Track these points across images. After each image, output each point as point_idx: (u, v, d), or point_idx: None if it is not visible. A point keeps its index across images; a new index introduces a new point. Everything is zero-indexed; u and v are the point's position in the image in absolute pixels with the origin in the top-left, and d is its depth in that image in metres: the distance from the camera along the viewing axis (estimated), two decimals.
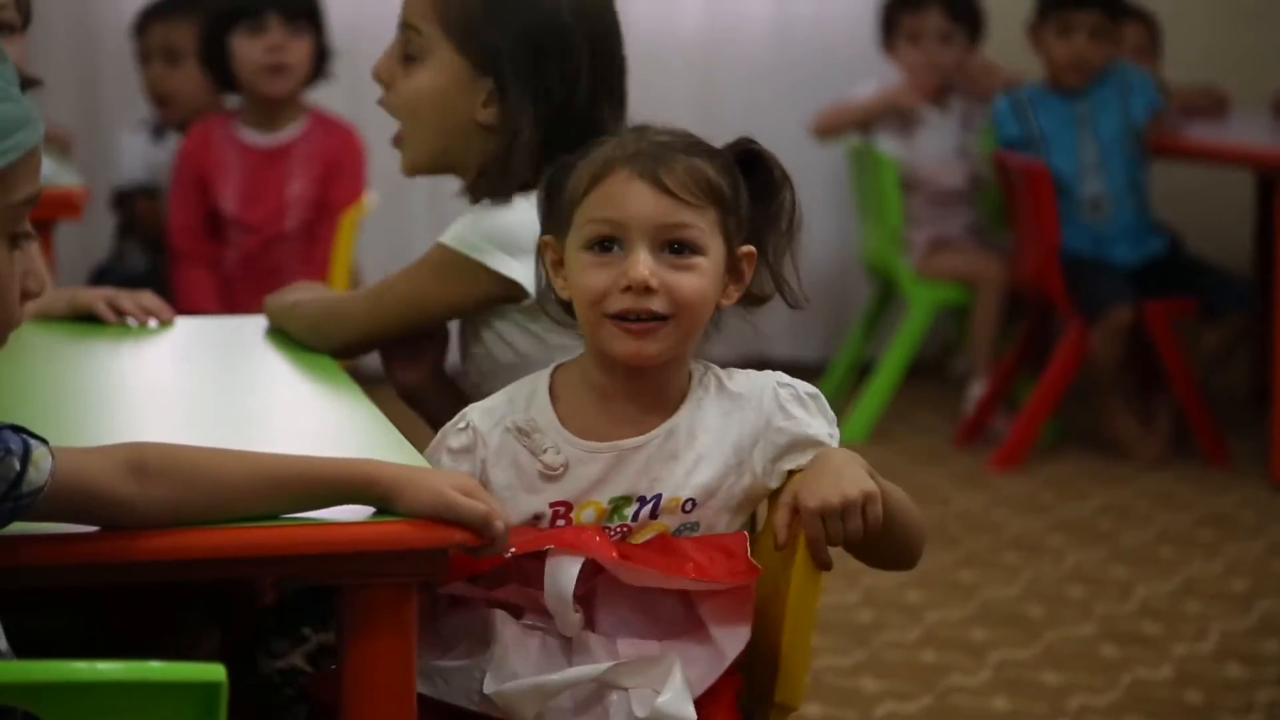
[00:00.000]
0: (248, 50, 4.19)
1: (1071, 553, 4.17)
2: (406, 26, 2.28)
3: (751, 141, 2.00)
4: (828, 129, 5.27)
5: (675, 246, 1.91)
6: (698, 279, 1.91)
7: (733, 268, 1.97)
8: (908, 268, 5.15)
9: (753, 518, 2.08)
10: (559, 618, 1.86)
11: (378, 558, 1.70)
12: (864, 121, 5.20)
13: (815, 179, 5.68)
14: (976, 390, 5.09)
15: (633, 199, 1.90)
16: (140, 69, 4.64)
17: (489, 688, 1.84)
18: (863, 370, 5.38)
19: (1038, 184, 4.83)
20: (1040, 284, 4.91)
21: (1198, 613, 3.78)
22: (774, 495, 1.97)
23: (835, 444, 1.96)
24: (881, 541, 1.92)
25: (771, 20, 5.78)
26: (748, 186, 1.98)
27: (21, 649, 1.61)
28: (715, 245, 1.93)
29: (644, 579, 1.89)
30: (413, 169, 2.32)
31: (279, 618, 2.17)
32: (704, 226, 1.92)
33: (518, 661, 1.86)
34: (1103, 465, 4.86)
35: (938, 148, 5.19)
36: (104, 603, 2.06)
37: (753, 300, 2.01)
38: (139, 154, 4.62)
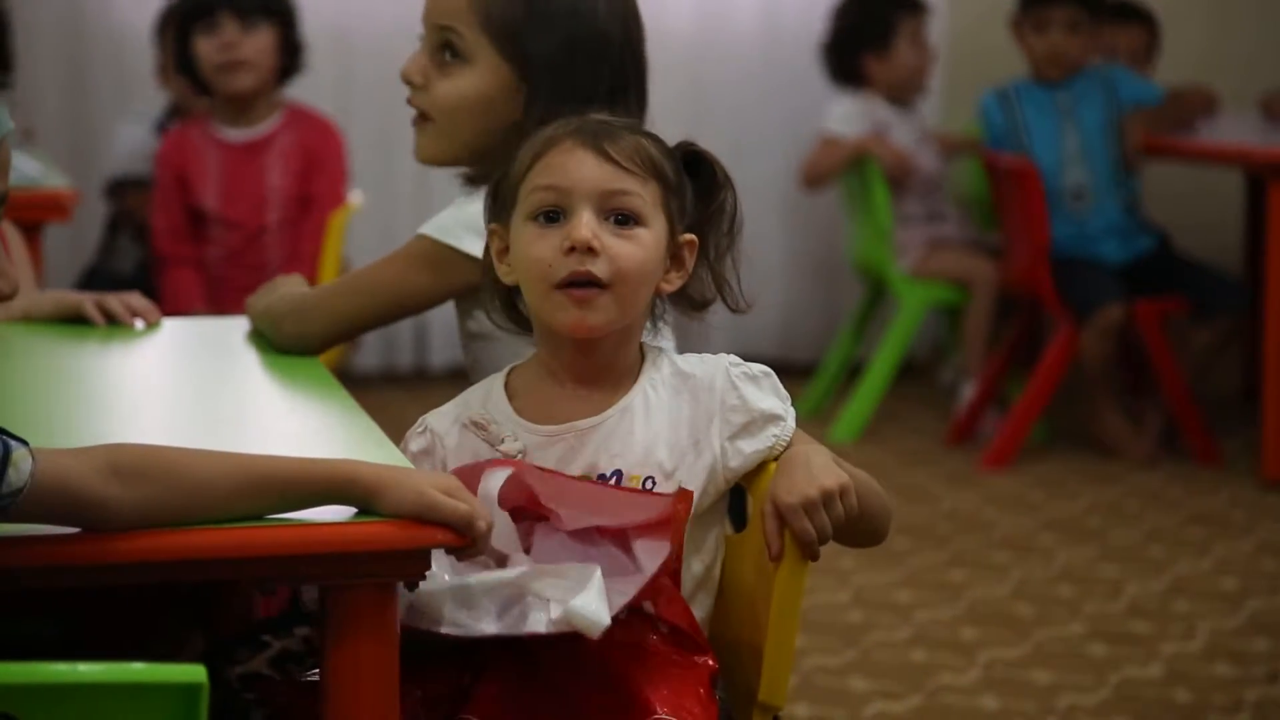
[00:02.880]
0: (204, 49, 4.20)
1: (1061, 552, 4.17)
2: (443, 28, 2.25)
3: (693, 144, 2.01)
4: (816, 180, 5.28)
5: (619, 217, 1.93)
6: (639, 248, 1.93)
7: (675, 253, 1.97)
8: (897, 268, 5.16)
9: (743, 514, 2.08)
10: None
11: (360, 558, 1.70)
12: (849, 163, 5.20)
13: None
14: (968, 391, 5.09)
15: (575, 165, 1.92)
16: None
17: (408, 594, 1.82)
18: (853, 371, 5.38)
19: (1027, 184, 4.84)
20: (1030, 283, 4.92)
21: (1187, 612, 3.79)
22: (753, 485, 1.97)
23: (791, 420, 1.96)
24: (855, 525, 1.92)
25: (760, 20, 5.79)
26: (691, 187, 1.99)
27: (5, 653, 1.60)
28: (657, 220, 1.95)
29: (573, 497, 1.87)
30: (435, 160, 2.29)
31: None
32: (646, 198, 1.94)
33: (446, 571, 1.84)
34: (1092, 464, 4.87)
35: (906, 139, 5.21)
36: (87, 608, 2.05)
37: (695, 304, 2.01)
38: (137, 146, 4.61)
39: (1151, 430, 4.95)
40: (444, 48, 2.25)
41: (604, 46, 2.22)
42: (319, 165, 4.25)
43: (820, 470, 1.89)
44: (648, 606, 1.88)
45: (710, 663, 1.90)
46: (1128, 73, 5.12)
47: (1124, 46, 5.33)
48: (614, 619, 1.81)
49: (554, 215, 1.93)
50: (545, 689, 1.86)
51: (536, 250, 1.92)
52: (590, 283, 1.91)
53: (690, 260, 1.98)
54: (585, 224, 1.91)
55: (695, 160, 2.00)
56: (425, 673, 1.86)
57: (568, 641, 1.83)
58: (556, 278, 1.91)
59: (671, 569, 1.89)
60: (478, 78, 2.23)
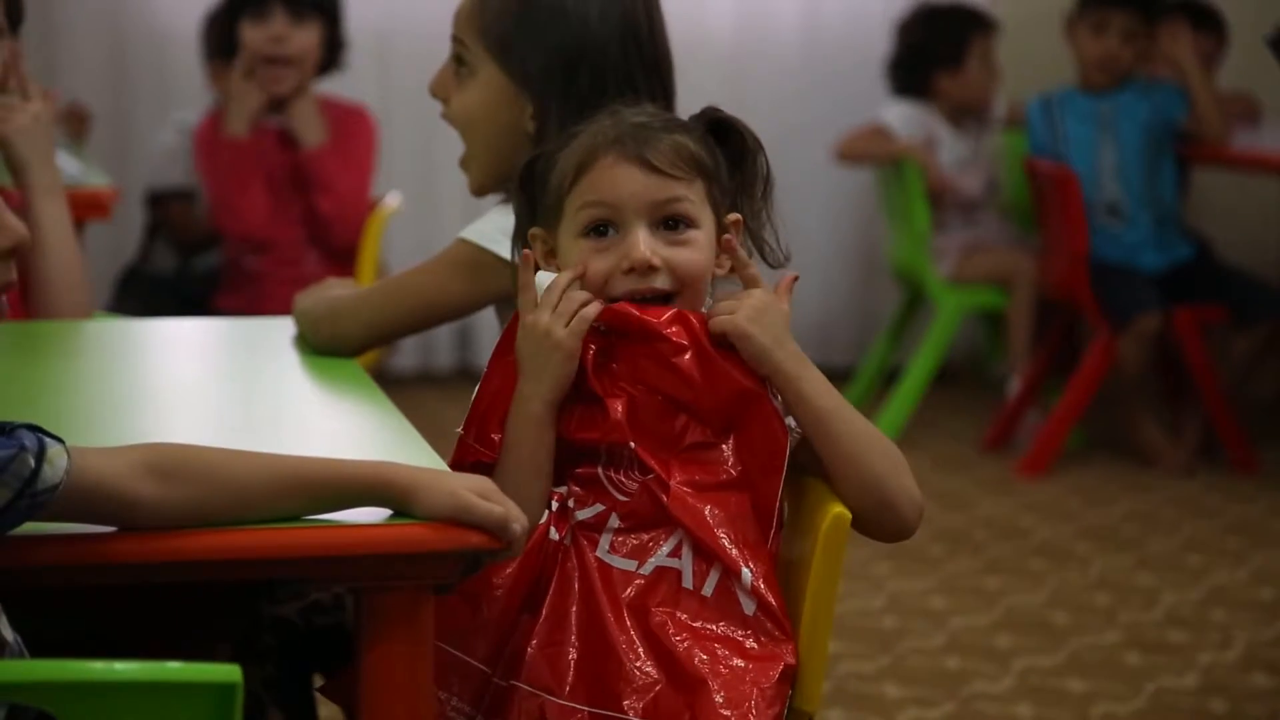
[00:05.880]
0: (251, 37, 4.19)
1: (1097, 560, 4.16)
2: (454, 39, 2.27)
3: (719, 110, 2.01)
4: (850, 158, 5.28)
5: (670, 222, 1.94)
6: (695, 253, 1.94)
7: (721, 237, 1.98)
8: (936, 273, 5.15)
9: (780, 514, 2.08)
10: None
11: (394, 560, 1.70)
12: (889, 160, 5.20)
13: (842, 182, 5.69)
14: (1016, 386, 5.08)
15: (623, 181, 1.93)
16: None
17: None
18: (890, 376, 5.37)
19: (1066, 192, 4.83)
20: (1068, 290, 4.91)
21: (1224, 621, 3.77)
22: (792, 497, 1.97)
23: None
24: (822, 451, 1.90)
25: (800, 19, 5.79)
26: (722, 155, 1.99)
27: (37, 651, 1.61)
28: (706, 216, 1.96)
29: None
30: (478, 189, 2.31)
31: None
32: (694, 199, 1.95)
33: None
34: (1130, 472, 4.85)
35: (953, 158, 5.20)
36: (117, 613, 2.05)
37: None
38: (174, 155, 4.62)
39: (1189, 438, 4.93)
40: (457, 60, 2.28)
41: (599, 53, 2.20)
42: (348, 139, 4.24)
43: (778, 326, 1.88)
44: (747, 575, 1.87)
45: (787, 658, 1.87)
46: (1173, 89, 5.06)
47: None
48: (705, 589, 1.86)
49: (604, 230, 1.94)
50: (603, 658, 1.86)
51: (592, 268, 1.93)
52: (656, 298, 1.92)
53: (737, 238, 1.99)
54: (642, 242, 1.92)
55: (722, 128, 2.00)
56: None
57: (638, 610, 1.85)
58: (615, 294, 1.92)
59: (765, 537, 1.89)
60: (480, 90, 2.25)
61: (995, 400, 5.32)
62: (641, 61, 2.24)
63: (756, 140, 2.01)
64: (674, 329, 1.89)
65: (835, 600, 1.91)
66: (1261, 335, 4.91)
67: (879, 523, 1.92)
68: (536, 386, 1.91)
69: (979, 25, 5.26)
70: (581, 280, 1.93)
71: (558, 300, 1.90)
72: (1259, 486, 4.73)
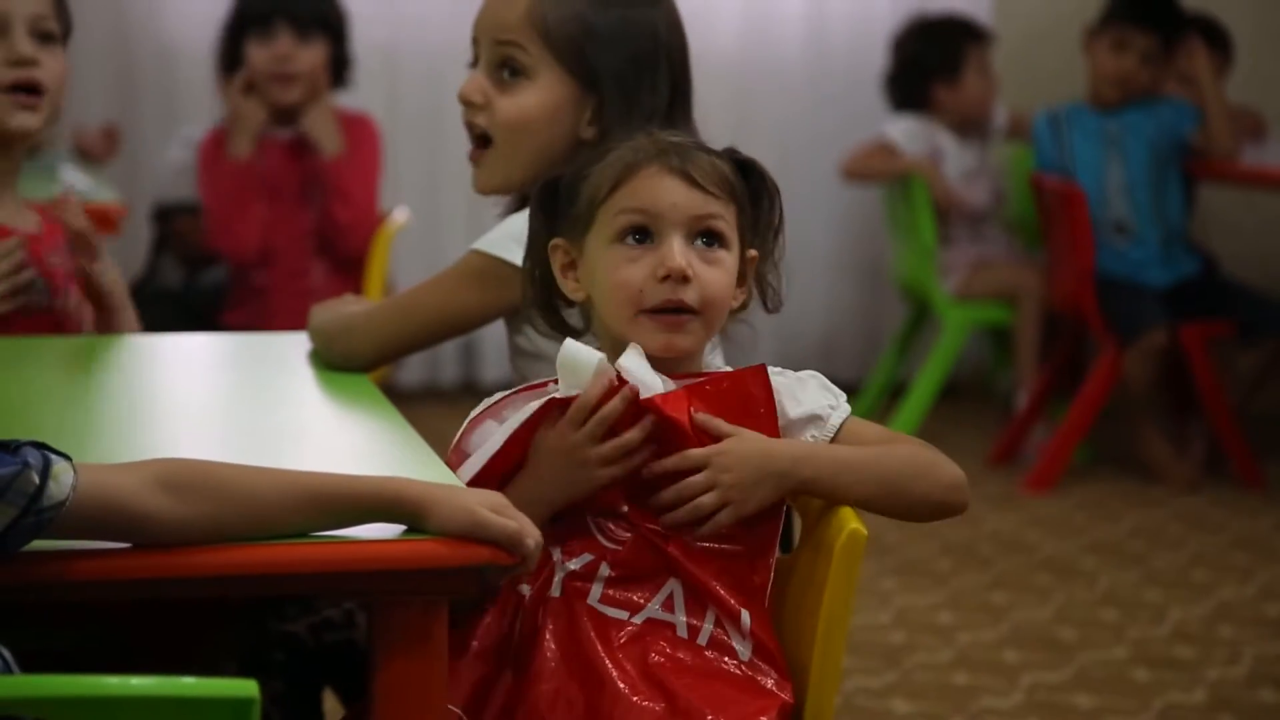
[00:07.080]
0: (256, 57, 4.20)
1: (1104, 575, 4.16)
2: (502, 43, 2.24)
3: (737, 151, 2.03)
4: (856, 176, 5.29)
5: (705, 238, 1.95)
6: (724, 274, 1.96)
7: (740, 269, 1.99)
8: (942, 288, 5.15)
9: (790, 535, 2.08)
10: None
11: (408, 576, 1.70)
12: (896, 177, 5.20)
13: (847, 197, 5.69)
14: (1024, 400, 5.08)
15: (665, 192, 1.94)
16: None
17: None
18: (896, 391, 5.37)
19: (1073, 207, 4.83)
20: (1075, 306, 4.91)
21: (1231, 637, 3.77)
22: (799, 503, 1.98)
23: (836, 416, 1.98)
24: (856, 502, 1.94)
25: (805, 35, 5.80)
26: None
27: (39, 664, 1.61)
28: (735, 240, 1.98)
29: None
30: (496, 188, 2.29)
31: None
32: (729, 220, 1.96)
33: None
34: (1136, 487, 4.85)
35: (959, 169, 5.20)
36: (119, 625, 2.05)
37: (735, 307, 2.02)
38: (184, 172, 4.62)
39: (1195, 454, 4.93)
40: (503, 65, 2.25)
41: (664, 61, 2.23)
42: (355, 146, 4.24)
43: (758, 469, 1.89)
44: (746, 619, 1.88)
45: (785, 696, 1.88)
46: (1180, 105, 5.05)
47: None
48: (699, 640, 1.86)
49: (640, 237, 1.94)
50: (602, 696, 1.86)
51: (625, 274, 1.94)
52: (681, 309, 1.93)
53: (750, 275, 2.00)
54: (679, 252, 1.93)
55: (743, 168, 2.02)
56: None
57: (634, 652, 1.85)
58: (648, 303, 1.93)
59: (763, 581, 1.90)
60: (543, 93, 2.23)
61: (1001, 415, 5.32)
62: (686, 72, 2.26)
63: (775, 185, 2.03)
64: (691, 417, 1.90)
65: (849, 618, 1.91)
66: (1267, 351, 4.92)
67: (935, 518, 2.02)
68: (552, 495, 1.90)
69: (973, 35, 5.26)
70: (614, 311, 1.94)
71: (595, 430, 1.88)
72: (1265, 501, 4.73)
